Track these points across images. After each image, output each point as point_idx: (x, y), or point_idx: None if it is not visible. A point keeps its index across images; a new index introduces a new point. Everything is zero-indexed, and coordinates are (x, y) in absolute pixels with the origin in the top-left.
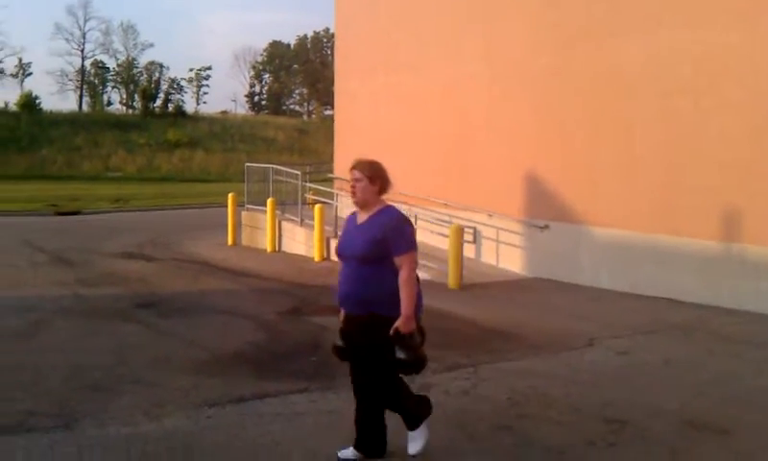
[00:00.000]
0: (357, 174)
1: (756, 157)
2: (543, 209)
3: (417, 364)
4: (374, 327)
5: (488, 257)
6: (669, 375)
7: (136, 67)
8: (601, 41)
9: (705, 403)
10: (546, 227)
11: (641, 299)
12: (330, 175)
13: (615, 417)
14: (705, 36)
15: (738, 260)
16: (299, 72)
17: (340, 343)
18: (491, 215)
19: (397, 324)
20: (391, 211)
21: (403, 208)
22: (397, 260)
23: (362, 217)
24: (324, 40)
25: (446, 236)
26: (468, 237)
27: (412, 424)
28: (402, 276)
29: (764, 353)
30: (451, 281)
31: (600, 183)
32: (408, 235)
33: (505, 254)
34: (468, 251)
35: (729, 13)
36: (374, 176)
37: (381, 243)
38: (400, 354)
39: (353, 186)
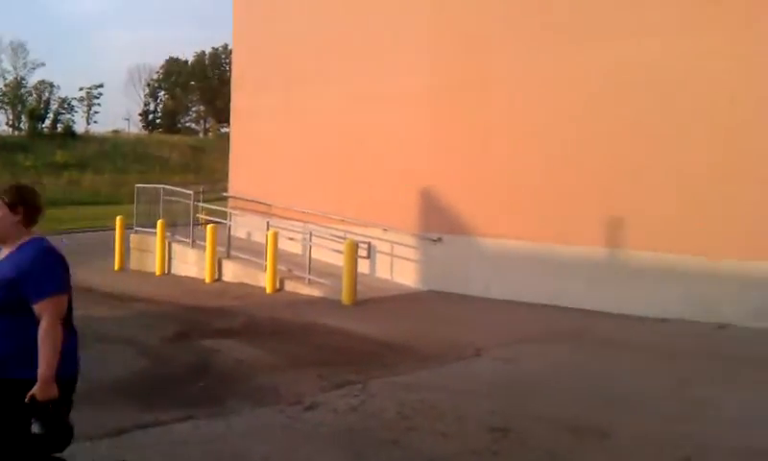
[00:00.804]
0: None
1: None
2: (437, 222)
3: (58, 440)
4: (4, 394)
5: (382, 272)
6: (553, 380)
7: (25, 87)
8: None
9: (586, 407)
10: (439, 239)
11: (530, 307)
12: (225, 194)
13: (499, 425)
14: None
15: (621, 265)
16: (195, 89)
17: None
18: (386, 230)
19: (33, 390)
20: (35, 245)
21: (299, 226)
22: (36, 307)
23: (4, 253)
24: (223, 57)
25: (341, 252)
26: (362, 253)
27: None
28: (42, 327)
29: (643, 355)
30: (345, 297)
31: (489, 194)
32: (52, 276)
33: (399, 267)
34: (363, 266)
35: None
36: (16, 202)
37: (14, 286)
38: (36, 428)
39: None
